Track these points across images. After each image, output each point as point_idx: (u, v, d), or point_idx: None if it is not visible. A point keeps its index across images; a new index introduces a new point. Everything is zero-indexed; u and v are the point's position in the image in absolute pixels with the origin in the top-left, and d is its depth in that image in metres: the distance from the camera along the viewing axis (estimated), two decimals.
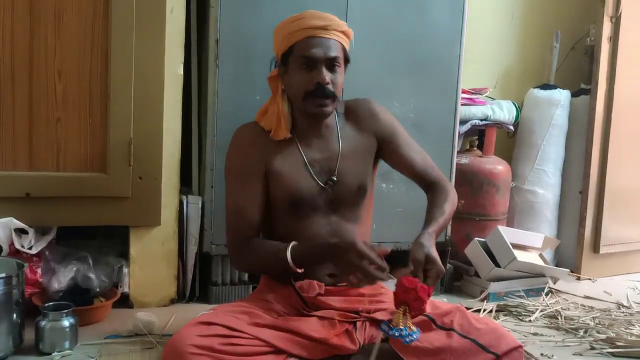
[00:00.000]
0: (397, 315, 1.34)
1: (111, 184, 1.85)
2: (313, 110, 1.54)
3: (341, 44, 1.55)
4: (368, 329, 1.57)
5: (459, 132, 2.42)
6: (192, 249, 2.02)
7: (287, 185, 1.57)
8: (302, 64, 1.51)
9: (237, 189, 1.57)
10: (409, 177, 1.72)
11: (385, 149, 1.68)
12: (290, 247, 1.46)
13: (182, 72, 1.97)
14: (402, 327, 1.33)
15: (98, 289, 1.87)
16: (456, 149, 2.37)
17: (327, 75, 1.50)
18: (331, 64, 1.52)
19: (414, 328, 1.34)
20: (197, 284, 2.08)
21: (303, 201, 1.57)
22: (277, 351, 1.39)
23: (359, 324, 1.55)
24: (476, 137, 2.76)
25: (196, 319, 1.40)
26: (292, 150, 1.59)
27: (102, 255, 1.93)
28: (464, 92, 2.52)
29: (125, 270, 1.95)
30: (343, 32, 1.56)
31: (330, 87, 1.51)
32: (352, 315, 1.55)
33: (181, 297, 2.06)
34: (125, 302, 1.96)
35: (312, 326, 1.47)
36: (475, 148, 2.73)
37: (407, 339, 1.34)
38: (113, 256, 1.97)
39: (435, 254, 1.38)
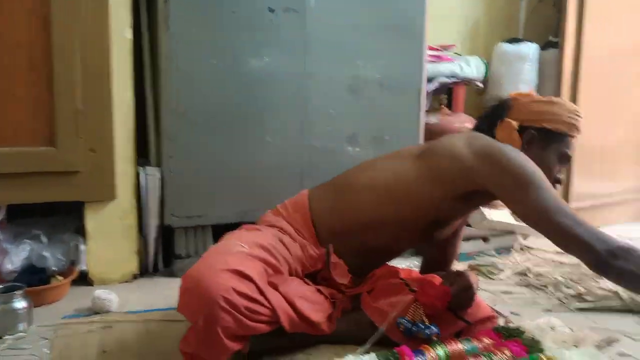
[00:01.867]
0: (413, 309, 1.39)
1: (60, 158, 1.75)
2: None
3: None
4: (344, 304, 1.52)
5: (426, 91, 2.36)
6: (152, 222, 1.94)
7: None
8: (562, 157, 1.50)
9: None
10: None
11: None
12: None
13: (130, 36, 1.85)
14: (417, 322, 1.37)
15: (54, 268, 1.80)
16: (424, 109, 2.31)
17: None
18: None
19: (427, 322, 1.37)
20: (160, 257, 2.01)
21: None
22: (275, 322, 1.30)
23: (339, 302, 1.49)
24: (445, 95, 2.70)
25: (230, 259, 1.24)
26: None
27: (56, 233, 1.85)
28: (430, 49, 2.45)
29: (82, 247, 1.87)
30: None
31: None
32: (338, 295, 1.49)
33: (144, 271, 1.99)
34: (84, 280, 1.89)
35: (312, 299, 1.40)
36: (444, 106, 2.67)
37: (427, 332, 1.36)
38: (69, 233, 1.88)
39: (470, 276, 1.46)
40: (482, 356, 1.32)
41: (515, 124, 1.50)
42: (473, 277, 1.46)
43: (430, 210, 1.46)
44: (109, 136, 1.81)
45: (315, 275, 1.49)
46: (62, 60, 1.71)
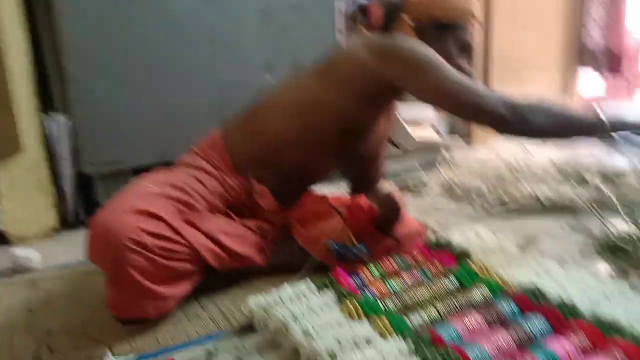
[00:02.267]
0: (342, 233, 1.40)
1: None
2: None
3: None
4: (272, 235, 1.51)
5: (340, 11, 2.30)
6: (66, 172, 1.84)
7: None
8: (462, 47, 1.52)
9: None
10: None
11: None
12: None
13: None
14: (350, 245, 1.39)
15: None
16: (338, 29, 2.25)
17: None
18: None
19: (356, 244, 1.39)
20: (80, 208, 1.92)
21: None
22: (196, 260, 1.28)
23: (268, 233, 1.49)
24: (360, 14, 2.64)
25: (137, 201, 1.21)
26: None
27: None
28: None
29: None
30: None
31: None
32: (265, 226, 1.48)
33: (65, 224, 1.90)
34: (1, 239, 1.79)
35: (235, 231, 1.38)
36: (361, 26, 2.62)
37: (357, 253, 1.38)
38: None
39: (396, 194, 1.48)
40: (414, 270, 1.36)
41: (409, 21, 1.50)
42: (398, 195, 1.48)
43: (341, 119, 1.46)
44: (4, 84, 1.67)
45: (241, 210, 1.47)
46: None
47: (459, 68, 1.48)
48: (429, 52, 1.40)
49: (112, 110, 1.83)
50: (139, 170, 1.87)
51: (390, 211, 1.44)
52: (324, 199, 1.59)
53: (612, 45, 3.20)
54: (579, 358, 1.02)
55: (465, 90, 1.37)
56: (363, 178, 1.73)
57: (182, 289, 1.27)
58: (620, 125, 1.40)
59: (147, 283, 1.17)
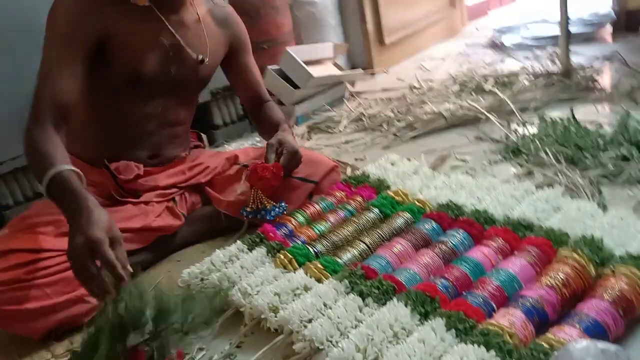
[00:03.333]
0: (252, 198, 1.39)
1: None
2: None
3: None
4: (189, 198, 1.51)
5: None
6: None
7: (134, 63, 1.33)
8: None
9: (58, 55, 1.24)
10: (241, 92, 1.66)
11: (233, 57, 1.57)
12: (61, 170, 1.11)
13: None
14: (262, 209, 1.39)
15: None
16: None
17: None
18: None
19: (268, 205, 1.39)
20: None
21: (146, 83, 1.37)
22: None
23: (177, 197, 1.48)
24: None
25: None
26: (151, 24, 1.34)
27: None
28: None
29: None
30: None
31: None
32: (170, 191, 1.47)
33: None
34: None
35: (129, 215, 1.37)
36: None
37: (272, 214, 1.38)
38: None
39: (288, 137, 1.44)
40: (338, 209, 1.39)
41: None
42: (291, 138, 1.48)
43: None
44: None
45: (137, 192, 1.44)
46: None
47: None
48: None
49: None
50: None
51: (292, 155, 1.42)
52: (233, 157, 1.59)
53: None
54: (497, 260, 1.10)
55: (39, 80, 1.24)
56: (263, 122, 1.63)
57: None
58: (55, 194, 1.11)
59: (36, 303, 1.14)
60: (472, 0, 3.55)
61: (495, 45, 2.90)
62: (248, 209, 1.40)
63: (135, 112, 1.41)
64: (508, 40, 2.88)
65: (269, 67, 2.36)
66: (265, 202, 1.40)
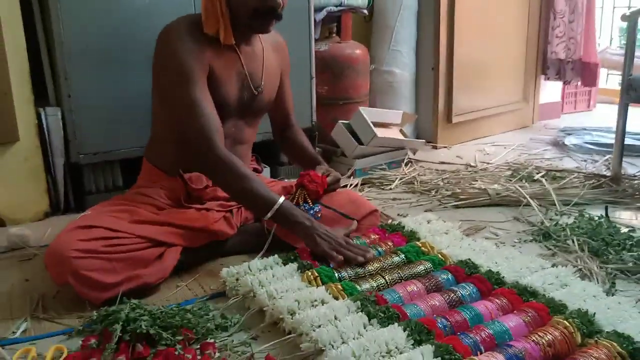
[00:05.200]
0: (296, 194, 1.65)
1: None
2: (258, 28, 1.59)
3: None
4: (243, 214, 1.71)
5: (315, 20, 2.49)
6: (58, 162, 2.00)
7: (223, 91, 1.59)
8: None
9: (189, 84, 1.50)
10: (274, 113, 1.88)
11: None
12: (281, 203, 1.47)
13: None
14: (302, 204, 1.63)
15: None
16: (314, 37, 2.44)
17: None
18: None
19: (311, 204, 1.64)
20: (70, 195, 2.08)
21: (228, 107, 1.62)
22: (159, 243, 1.48)
23: (234, 210, 1.68)
24: (334, 24, 2.84)
25: (76, 222, 1.42)
26: (230, 55, 1.61)
27: None
28: None
29: None
30: None
31: (280, 10, 1.55)
32: (230, 203, 1.67)
33: (56, 209, 2.06)
34: None
35: (191, 217, 1.58)
36: (334, 34, 2.82)
37: (311, 212, 1.61)
38: None
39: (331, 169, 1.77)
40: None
41: None
42: (337, 173, 1.78)
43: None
44: (3, 78, 1.83)
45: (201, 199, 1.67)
46: None
47: (257, 4, 1.51)
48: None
49: (100, 104, 1.99)
50: (126, 161, 2.06)
51: (334, 182, 1.73)
52: (276, 182, 1.86)
53: (584, 58, 3.36)
54: (497, 315, 1.22)
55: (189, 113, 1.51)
56: (298, 156, 1.90)
57: (157, 268, 1.46)
58: (282, 219, 1.49)
59: (108, 277, 1.35)
60: (547, 99, 3.68)
61: (557, 144, 3.01)
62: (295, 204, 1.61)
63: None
64: (570, 141, 2.99)
65: (340, 121, 2.58)
66: (308, 201, 1.64)
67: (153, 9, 2.02)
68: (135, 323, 1.19)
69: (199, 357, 1.13)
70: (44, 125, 1.95)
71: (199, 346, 1.18)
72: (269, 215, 1.48)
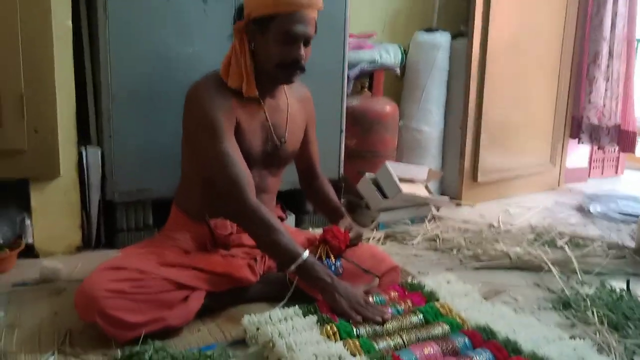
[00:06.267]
0: (319, 249, 1.67)
1: (6, 138, 1.87)
2: (283, 79, 1.67)
3: (315, 19, 1.63)
4: (267, 262, 1.75)
5: (348, 76, 2.58)
6: (94, 198, 2.08)
7: (248, 142, 1.65)
8: (284, 37, 1.57)
9: (220, 137, 1.56)
10: (299, 161, 1.93)
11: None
12: (305, 258, 1.52)
13: (70, 24, 1.97)
14: (325, 259, 1.65)
15: (1, 241, 1.91)
16: (346, 92, 2.53)
17: (303, 52, 1.61)
18: (308, 40, 1.62)
19: (333, 260, 1.66)
20: (102, 231, 2.16)
21: (252, 157, 1.68)
22: (184, 287, 1.54)
23: (258, 258, 1.73)
24: (367, 80, 2.93)
25: (106, 264, 1.50)
26: (254, 108, 1.68)
27: (3, 209, 1.96)
28: (351, 36, 2.67)
29: (28, 222, 1.99)
30: (318, 8, 1.63)
31: (303, 62, 1.62)
32: (254, 252, 1.72)
33: (87, 245, 2.13)
34: (31, 253, 2.02)
35: (216, 262, 1.63)
36: (365, 90, 2.91)
37: (333, 268, 1.63)
38: (15, 209, 2.00)
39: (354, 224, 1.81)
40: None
41: (241, 24, 1.61)
42: (359, 228, 1.82)
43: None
44: (52, 117, 1.93)
45: (227, 246, 1.72)
46: (4, 46, 1.83)
47: (292, 61, 1.58)
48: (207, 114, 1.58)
49: (139, 146, 2.08)
50: (158, 202, 2.13)
51: (356, 238, 1.76)
52: (301, 232, 1.89)
53: (623, 125, 3.39)
54: None
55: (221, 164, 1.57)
56: (304, 170, 1.95)
57: (182, 311, 1.51)
58: (304, 273, 1.54)
59: (131, 317, 1.40)
60: (574, 163, 3.69)
61: (582, 210, 3.01)
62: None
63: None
64: (595, 208, 2.99)
65: (367, 174, 2.63)
66: (331, 257, 1.66)
67: (195, 57, 2.13)
68: None
69: None
70: (84, 163, 2.04)
71: None
72: (292, 268, 1.52)
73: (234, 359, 1.35)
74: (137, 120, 2.08)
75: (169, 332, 1.47)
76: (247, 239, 1.73)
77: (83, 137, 2.10)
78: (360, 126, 2.77)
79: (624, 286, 1.89)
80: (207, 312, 1.60)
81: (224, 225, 1.72)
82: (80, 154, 2.05)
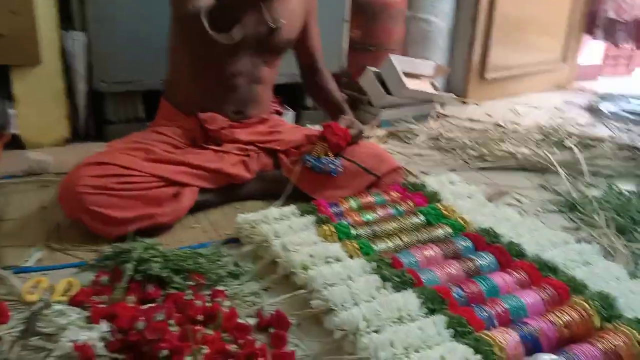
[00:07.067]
0: (318, 147, 1.59)
1: None
2: None
3: None
4: (263, 159, 1.67)
5: None
6: (80, 87, 1.97)
7: (238, 20, 1.50)
8: None
9: None
10: (300, 55, 1.81)
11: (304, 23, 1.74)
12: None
13: None
14: (324, 157, 1.57)
15: None
16: None
17: None
18: None
19: (332, 157, 1.58)
20: (91, 123, 2.06)
21: (244, 40, 1.54)
22: (173, 183, 1.46)
23: (253, 155, 1.64)
24: None
25: (90, 158, 1.41)
26: None
27: None
28: None
29: (11, 111, 1.89)
30: None
31: None
32: (248, 148, 1.64)
33: (76, 137, 2.04)
34: (17, 144, 1.93)
35: (208, 158, 1.55)
36: None
37: (331, 166, 1.56)
38: None
39: (355, 120, 1.70)
40: (388, 206, 1.51)
41: None
42: (361, 125, 1.71)
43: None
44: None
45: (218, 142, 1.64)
46: None
47: None
48: None
49: (127, 32, 1.93)
50: (149, 95, 2.02)
51: (357, 135, 1.66)
52: (299, 128, 1.79)
53: None
54: (514, 289, 1.19)
55: None
56: (305, 64, 1.83)
57: (172, 207, 1.44)
58: None
59: (117, 213, 1.34)
60: (586, 61, 3.53)
61: (592, 110, 2.90)
62: (311, 157, 1.57)
63: (228, 68, 1.60)
64: (606, 107, 2.88)
65: (370, 68, 2.49)
66: (329, 154, 1.58)
67: None
68: (147, 264, 1.18)
69: (208, 304, 1.12)
70: (68, 50, 1.90)
71: (209, 292, 1.17)
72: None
73: (227, 258, 1.30)
74: (125, 5, 1.92)
75: (159, 229, 1.41)
76: (240, 135, 1.64)
77: (67, 22, 1.94)
78: (364, 15, 2.59)
79: (633, 189, 1.82)
80: (200, 209, 1.54)
81: (214, 120, 1.62)
82: (62, 40, 1.90)
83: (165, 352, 0.95)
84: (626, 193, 1.79)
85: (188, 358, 0.95)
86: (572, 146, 2.18)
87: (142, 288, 1.15)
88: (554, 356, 0.74)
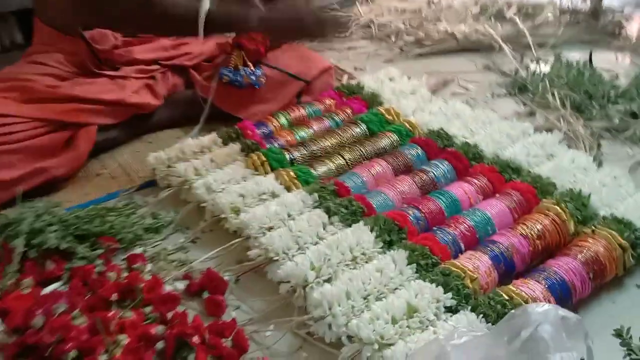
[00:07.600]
0: (234, 56, 1.35)
1: None
2: None
3: None
4: (171, 79, 1.42)
5: None
6: None
7: None
8: None
9: None
10: None
11: None
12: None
13: None
14: (242, 68, 1.34)
15: None
16: None
17: None
18: None
19: (252, 68, 1.35)
20: None
21: None
22: (65, 125, 1.20)
23: (159, 75, 1.39)
24: None
25: None
26: None
27: None
28: None
29: None
30: None
31: None
32: (151, 68, 1.38)
33: None
34: None
35: (103, 88, 1.28)
36: None
37: (252, 77, 1.34)
38: None
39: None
40: (324, 118, 1.32)
41: None
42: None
43: None
44: None
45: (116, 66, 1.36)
46: None
47: None
48: None
49: None
50: (24, 15, 1.68)
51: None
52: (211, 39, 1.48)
53: None
54: (477, 200, 1.04)
55: None
56: None
57: (67, 156, 1.20)
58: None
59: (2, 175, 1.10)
60: None
61: None
62: (228, 69, 1.34)
63: None
64: None
65: None
66: (249, 64, 1.35)
67: None
68: (41, 235, 0.96)
69: (125, 274, 0.93)
70: None
71: (124, 258, 0.97)
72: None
73: (143, 209, 1.10)
74: None
75: (56, 186, 1.18)
76: (139, 53, 1.37)
77: None
78: None
79: (581, 58, 1.68)
80: (104, 151, 1.29)
81: (105, 37, 1.33)
82: None
83: (73, 354, 0.77)
84: (574, 64, 1.65)
85: (103, 356, 0.77)
86: (513, 17, 2.00)
87: (41, 266, 0.94)
88: (546, 306, 0.59)
